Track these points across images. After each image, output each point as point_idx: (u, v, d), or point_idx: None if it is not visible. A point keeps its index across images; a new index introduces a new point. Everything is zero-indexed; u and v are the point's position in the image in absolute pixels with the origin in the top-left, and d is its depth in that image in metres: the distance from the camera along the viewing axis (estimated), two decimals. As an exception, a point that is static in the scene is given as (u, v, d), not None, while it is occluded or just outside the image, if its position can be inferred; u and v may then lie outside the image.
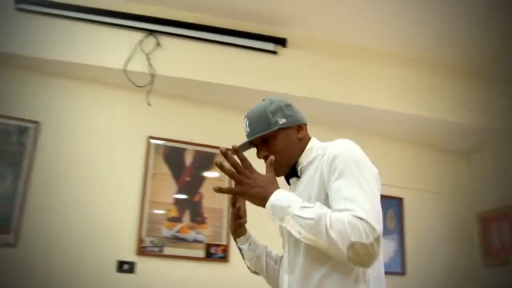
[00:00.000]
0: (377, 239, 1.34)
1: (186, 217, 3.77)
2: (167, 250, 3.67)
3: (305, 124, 1.76)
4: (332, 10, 3.80)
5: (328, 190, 1.51)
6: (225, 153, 1.48)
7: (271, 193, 1.47)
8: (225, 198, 3.80)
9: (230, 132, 3.97)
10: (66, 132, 3.71)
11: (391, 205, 4.47)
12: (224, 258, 3.78)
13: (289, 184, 1.76)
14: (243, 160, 1.52)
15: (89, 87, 3.82)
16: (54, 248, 3.45)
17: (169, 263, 3.68)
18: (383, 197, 3.99)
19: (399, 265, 4.36)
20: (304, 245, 1.51)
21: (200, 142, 3.93)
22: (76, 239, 3.50)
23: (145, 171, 3.76)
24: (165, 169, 3.81)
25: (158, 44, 3.72)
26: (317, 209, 1.41)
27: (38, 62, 3.61)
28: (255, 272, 1.92)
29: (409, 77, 4.25)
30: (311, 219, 1.39)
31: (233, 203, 1.81)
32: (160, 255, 3.66)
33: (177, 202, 3.77)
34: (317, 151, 1.68)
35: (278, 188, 1.51)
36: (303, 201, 1.45)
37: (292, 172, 1.71)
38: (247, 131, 1.72)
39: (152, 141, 3.83)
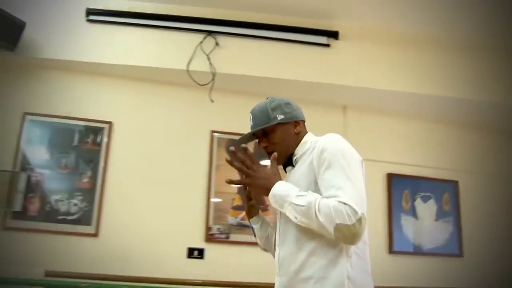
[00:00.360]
0: (359, 220, 1.57)
1: (250, 205, 3.99)
2: (233, 237, 3.93)
3: (303, 121, 1.99)
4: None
5: (318, 179, 1.74)
6: (234, 152, 1.81)
7: (273, 184, 1.75)
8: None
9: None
10: (136, 130, 4.01)
11: (447, 188, 4.56)
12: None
13: (285, 171, 1.98)
14: (251, 156, 1.81)
15: (155, 88, 4.11)
16: (130, 236, 3.77)
17: (234, 248, 3.93)
18: (439, 181, 4.15)
19: (456, 247, 4.46)
20: (295, 223, 1.74)
21: (261, 134, 4.14)
22: (150, 228, 3.80)
23: (209, 163, 4.02)
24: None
25: (217, 44, 3.94)
26: (309, 197, 1.66)
27: (108, 67, 3.93)
28: (264, 250, 2.15)
29: (461, 62, 4.30)
30: (303, 206, 1.64)
31: (245, 188, 2.05)
32: (227, 241, 3.92)
33: (241, 191, 4.00)
34: (310, 144, 1.90)
35: (280, 179, 1.78)
36: (299, 190, 1.70)
37: (289, 162, 1.95)
38: (251, 124, 1.97)
39: (215, 134, 4.08)
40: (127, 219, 3.80)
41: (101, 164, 3.85)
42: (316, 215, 1.61)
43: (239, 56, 3.98)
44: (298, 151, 1.94)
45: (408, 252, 4.33)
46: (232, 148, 1.82)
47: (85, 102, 3.98)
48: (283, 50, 4.04)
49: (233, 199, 3.99)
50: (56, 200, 3.74)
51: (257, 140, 1.99)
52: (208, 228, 3.90)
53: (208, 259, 3.87)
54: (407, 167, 4.48)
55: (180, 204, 3.90)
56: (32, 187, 3.73)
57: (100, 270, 3.59)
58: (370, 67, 4.13)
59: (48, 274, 3.47)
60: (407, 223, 4.39)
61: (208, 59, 3.87)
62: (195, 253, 3.86)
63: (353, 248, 1.73)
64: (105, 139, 3.91)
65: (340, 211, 1.58)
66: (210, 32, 3.97)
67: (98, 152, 3.88)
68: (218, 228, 3.92)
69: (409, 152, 4.53)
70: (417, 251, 4.36)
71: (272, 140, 1.94)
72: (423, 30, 4.23)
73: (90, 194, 3.79)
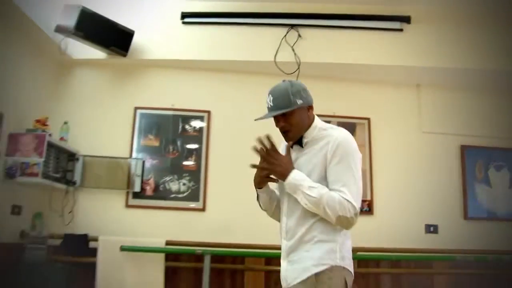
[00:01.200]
0: (356, 214, 2.04)
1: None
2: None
3: (312, 106, 2.25)
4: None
5: (328, 168, 2.10)
6: (260, 140, 2.15)
7: (289, 172, 2.11)
8: (366, 161, 4.43)
9: (367, 102, 4.63)
10: (231, 116, 4.53)
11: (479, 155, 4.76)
12: (369, 211, 4.41)
13: (291, 147, 2.28)
14: (273, 145, 2.16)
15: (246, 78, 4.61)
16: (232, 210, 4.31)
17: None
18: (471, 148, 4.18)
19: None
20: None
21: (342, 114, 4.58)
22: (249, 202, 4.31)
23: (298, 143, 4.48)
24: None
25: (299, 36, 4.37)
26: (320, 190, 2.04)
27: (203, 63, 4.48)
28: (265, 210, 2.43)
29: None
30: (315, 197, 2.03)
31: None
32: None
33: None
34: (320, 131, 2.20)
35: (293, 168, 2.13)
36: (310, 182, 2.07)
37: (297, 141, 2.24)
38: (270, 105, 2.20)
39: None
40: (229, 195, 4.34)
41: (203, 148, 4.42)
42: (324, 207, 2.02)
43: (320, 46, 4.39)
44: (308, 134, 2.21)
45: (483, 218, 4.61)
46: (259, 136, 2.17)
47: (185, 95, 4.55)
48: (359, 37, 4.41)
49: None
50: (168, 181, 4.34)
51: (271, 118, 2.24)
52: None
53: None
54: (479, 139, 4.74)
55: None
56: (147, 171, 4.34)
57: (209, 239, 4.15)
58: (441, 47, 4.41)
59: (168, 243, 4.08)
60: (481, 191, 4.68)
61: (293, 50, 4.31)
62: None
63: None
64: (204, 126, 4.47)
65: (344, 206, 2.01)
66: (292, 26, 4.39)
67: (200, 138, 4.44)
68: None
69: (481, 125, 4.77)
70: (491, 217, 4.62)
71: (290, 121, 2.18)
72: (489, 9, 4.44)
73: (196, 174, 4.37)
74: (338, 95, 4.63)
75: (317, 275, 2.06)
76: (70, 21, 3.95)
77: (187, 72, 4.56)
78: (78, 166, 4.28)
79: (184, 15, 4.45)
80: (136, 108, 4.46)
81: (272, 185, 2.34)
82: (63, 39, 4.20)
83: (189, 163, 4.40)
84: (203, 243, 4.10)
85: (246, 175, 4.30)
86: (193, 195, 4.32)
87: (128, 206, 4.29)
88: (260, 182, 2.29)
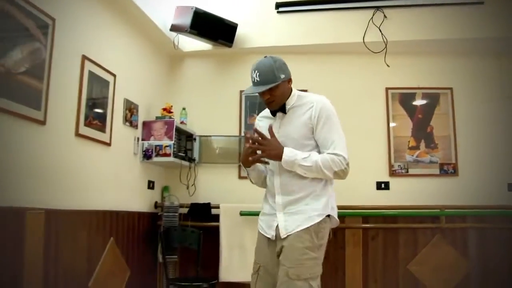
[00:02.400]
0: (347, 164, 2.45)
1: (422, 145, 4.92)
2: (411, 171, 4.90)
3: (291, 79, 2.58)
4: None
5: (316, 131, 2.48)
6: (247, 136, 2.54)
7: (282, 152, 2.43)
8: (451, 128, 4.86)
9: (449, 73, 5.02)
10: (324, 93, 5.04)
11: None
12: (454, 173, 4.87)
13: (273, 115, 2.61)
14: (261, 134, 2.47)
15: (338, 58, 5.13)
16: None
17: (412, 180, 4.90)
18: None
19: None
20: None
21: (426, 86, 5.01)
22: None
23: (387, 114, 4.98)
24: (402, 111, 4.98)
25: (385, 16, 4.79)
26: (312, 157, 2.41)
27: (299, 48, 4.99)
28: (255, 183, 2.81)
29: None
30: (311, 166, 2.41)
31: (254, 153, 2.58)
32: (406, 175, 4.90)
33: (414, 134, 4.93)
34: (299, 98, 2.57)
35: (282, 147, 2.44)
36: (301, 153, 2.42)
37: (279, 109, 2.56)
38: (257, 80, 2.46)
39: (390, 91, 5.01)
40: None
41: (302, 123, 4.98)
42: (321, 170, 2.40)
43: (404, 24, 4.78)
44: (290, 101, 2.56)
45: None
46: (245, 132, 2.65)
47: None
48: (441, 12, 4.76)
49: (409, 141, 4.93)
50: (274, 154, 4.96)
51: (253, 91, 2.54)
52: (391, 165, 4.91)
53: (392, 189, 4.90)
54: None
55: (366, 148, 4.90)
56: (255, 146, 4.99)
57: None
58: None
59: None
60: None
61: (380, 30, 4.75)
62: (382, 186, 4.91)
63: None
64: (303, 104, 5.03)
65: (336, 161, 2.42)
66: (378, 7, 4.81)
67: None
68: (399, 165, 4.91)
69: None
70: None
71: (274, 93, 2.48)
72: None
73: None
74: (422, 69, 5.03)
75: (314, 224, 2.45)
76: (185, 21, 4.57)
77: (284, 56, 5.07)
78: (196, 145, 4.98)
79: (278, 5, 4.96)
80: (241, 91, 5.08)
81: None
82: (176, 35, 4.84)
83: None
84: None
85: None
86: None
87: (240, 177, 4.98)
88: (249, 162, 2.58)
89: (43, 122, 3.06)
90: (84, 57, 3.56)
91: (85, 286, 3.51)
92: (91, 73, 3.65)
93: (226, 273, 4.55)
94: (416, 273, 4.63)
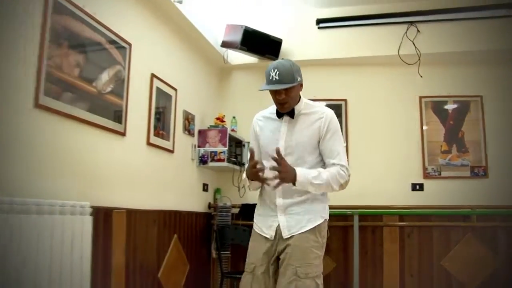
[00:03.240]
0: (349, 175, 2.57)
1: (454, 149, 5.29)
2: (443, 173, 5.27)
3: (303, 84, 2.64)
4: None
5: (323, 142, 2.57)
6: (274, 158, 2.43)
7: (295, 175, 2.46)
8: (481, 133, 5.22)
9: (479, 82, 5.38)
10: (364, 102, 5.49)
11: None
12: (484, 175, 5.23)
13: (279, 117, 2.66)
14: (281, 156, 2.44)
15: (374, 70, 5.53)
16: (368, 178, 5.28)
17: (445, 182, 5.27)
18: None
19: None
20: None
21: (457, 94, 5.37)
22: (381, 171, 5.30)
23: (420, 121, 5.37)
24: (434, 118, 5.37)
25: (418, 31, 5.19)
26: (321, 175, 2.48)
27: (338, 60, 5.44)
28: (253, 190, 2.84)
29: None
30: (321, 184, 2.49)
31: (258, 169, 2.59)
32: (439, 177, 5.28)
33: (446, 139, 5.31)
34: (306, 106, 2.64)
35: (295, 170, 2.46)
36: (310, 172, 2.48)
37: (287, 112, 2.62)
38: (276, 78, 2.48)
39: (423, 99, 5.40)
40: (366, 167, 5.33)
41: (343, 129, 5.42)
42: (330, 186, 2.51)
43: (436, 38, 5.18)
44: (298, 107, 2.62)
45: None
46: (250, 148, 2.60)
47: (326, 86, 5.56)
48: (470, 26, 5.12)
49: (441, 145, 5.31)
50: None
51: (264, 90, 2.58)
52: (425, 168, 5.29)
53: (426, 190, 5.28)
54: None
55: (401, 153, 5.33)
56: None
57: (353, 203, 5.18)
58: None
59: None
60: None
61: (413, 44, 5.15)
62: (416, 187, 5.30)
63: None
64: (343, 112, 5.47)
65: (342, 175, 2.53)
66: (411, 22, 5.21)
67: (339, 121, 5.40)
68: (432, 168, 5.29)
69: None
70: None
71: (290, 94, 2.53)
72: None
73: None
74: (454, 78, 5.40)
75: (318, 225, 2.58)
76: (235, 38, 5.05)
77: (324, 68, 5.54)
78: (245, 150, 5.45)
79: (319, 21, 5.40)
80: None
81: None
82: (226, 51, 5.33)
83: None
84: (349, 206, 5.15)
85: (378, 151, 5.35)
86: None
87: (286, 179, 5.42)
88: (256, 178, 2.58)
89: (123, 134, 3.58)
90: (153, 75, 4.08)
91: (155, 277, 4.02)
92: (158, 89, 4.17)
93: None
94: (449, 268, 5.01)
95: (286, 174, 2.44)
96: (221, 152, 4.96)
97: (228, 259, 5.25)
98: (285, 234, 2.57)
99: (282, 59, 2.64)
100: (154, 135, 4.08)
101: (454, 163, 5.27)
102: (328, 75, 5.58)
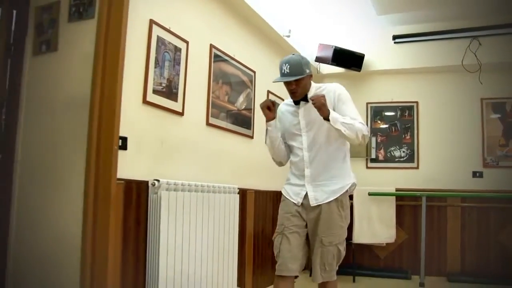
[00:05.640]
0: (368, 131, 2.75)
1: (511, 143, 6.26)
2: (501, 163, 6.25)
3: (312, 75, 2.87)
4: None
5: (336, 108, 2.75)
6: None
7: (329, 111, 2.64)
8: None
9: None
10: (433, 104, 6.60)
11: None
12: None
13: (297, 104, 2.91)
14: (324, 96, 2.66)
15: (441, 77, 6.59)
16: (437, 167, 6.42)
17: (502, 170, 6.22)
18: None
19: None
20: (324, 137, 2.83)
21: (513, 96, 6.35)
22: (449, 162, 6.41)
23: (481, 119, 6.36)
24: (494, 116, 6.36)
25: (479, 44, 6.18)
26: (348, 119, 2.69)
27: (411, 70, 6.58)
28: (270, 145, 3.00)
29: None
30: (351, 123, 2.68)
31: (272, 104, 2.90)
32: (497, 166, 6.27)
33: (504, 134, 6.30)
34: (317, 89, 2.85)
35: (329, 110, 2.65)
36: (342, 116, 2.69)
37: (302, 98, 2.86)
38: (287, 72, 2.72)
39: (484, 101, 6.37)
40: (434, 157, 6.48)
41: (415, 127, 6.60)
42: (355, 129, 2.68)
43: (495, 49, 6.10)
44: (310, 92, 2.85)
45: None
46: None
47: (401, 91, 6.74)
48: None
49: (499, 140, 6.32)
50: (392, 150, 6.64)
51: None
52: (484, 159, 6.34)
53: (485, 178, 6.32)
54: None
55: (464, 145, 6.37)
56: (378, 144, 6.68)
57: (422, 186, 6.33)
58: None
59: (396, 190, 6.35)
60: None
61: (475, 56, 6.16)
62: (477, 174, 6.37)
63: (348, 151, 2.96)
64: (414, 112, 6.63)
65: (365, 128, 2.74)
66: (474, 37, 6.22)
67: (412, 121, 6.62)
68: (491, 158, 6.32)
69: None
70: None
71: (299, 84, 2.78)
72: None
73: (411, 145, 6.61)
74: (510, 82, 6.27)
75: (342, 196, 2.83)
76: (327, 54, 6.32)
77: (398, 76, 6.71)
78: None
79: (395, 37, 6.54)
80: (367, 103, 6.78)
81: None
82: (318, 64, 6.63)
83: (406, 138, 6.63)
84: (419, 189, 6.29)
85: (444, 144, 6.47)
86: (410, 159, 6.57)
87: (368, 167, 6.71)
88: (267, 113, 2.90)
89: (251, 137, 5.01)
90: (268, 92, 5.47)
91: (270, 241, 5.43)
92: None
93: (358, 237, 6.29)
94: (504, 241, 6.00)
95: (321, 104, 2.65)
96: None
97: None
98: (313, 203, 2.83)
99: (293, 54, 2.88)
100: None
101: (511, 155, 6.26)
102: (403, 82, 6.73)
